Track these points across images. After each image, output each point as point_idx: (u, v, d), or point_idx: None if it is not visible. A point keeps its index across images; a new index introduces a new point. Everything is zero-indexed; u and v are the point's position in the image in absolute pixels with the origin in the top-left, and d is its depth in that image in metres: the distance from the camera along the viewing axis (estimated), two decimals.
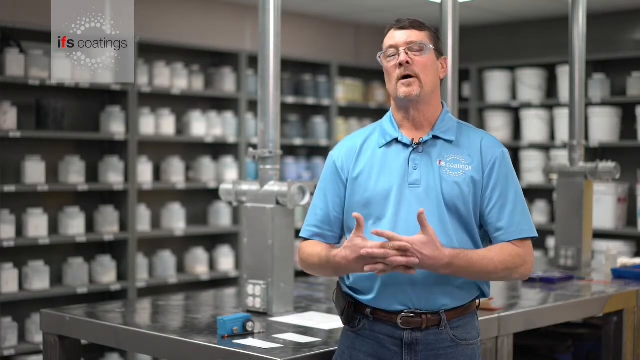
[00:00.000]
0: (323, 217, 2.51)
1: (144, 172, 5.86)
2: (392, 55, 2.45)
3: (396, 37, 2.45)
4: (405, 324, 2.36)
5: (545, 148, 7.08)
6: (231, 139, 6.33)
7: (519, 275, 2.41)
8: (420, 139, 2.44)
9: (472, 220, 2.40)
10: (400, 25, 2.46)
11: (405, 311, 2.36)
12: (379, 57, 2.49)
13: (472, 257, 2.32)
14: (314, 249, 2.47)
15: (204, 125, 6.21)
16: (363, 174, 2.45)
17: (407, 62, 2.41)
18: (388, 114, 2.54)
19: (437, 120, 2.48)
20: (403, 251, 2.22)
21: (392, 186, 2.40)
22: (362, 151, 2.49)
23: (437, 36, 2.51)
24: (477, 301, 2.49)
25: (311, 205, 2.57)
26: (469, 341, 2.43)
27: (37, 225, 5.32)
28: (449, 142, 2.45)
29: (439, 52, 2.50)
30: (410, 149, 2.44)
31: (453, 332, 2.39)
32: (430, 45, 2.45)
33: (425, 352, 2.37)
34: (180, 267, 6.23)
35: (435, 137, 2.45)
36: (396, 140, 2.46)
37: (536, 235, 2.43)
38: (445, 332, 2.38)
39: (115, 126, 5.65)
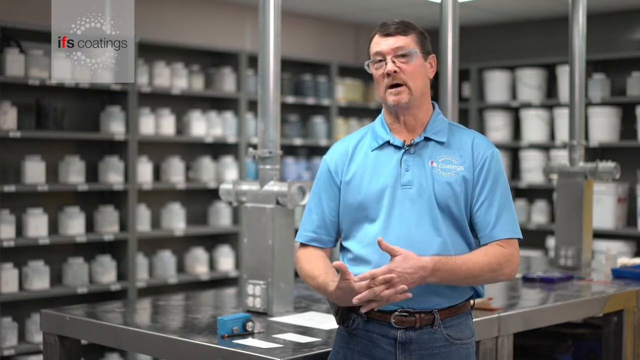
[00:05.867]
0: (319, 222, 2.51)
1: (144, 172, 5.86)
2: (379, 62, 2.44)
3: (382, 44, 2.44)
4: (399, 323, 2.36)
5: (545, 148, 7.08)
6: (231, 139, 6.34)
7: (505, 276, 2.40)
8: (412, 141, 2.44)
9: (464, 221, 2.41)
10: (386, 31, 2.44)
11: (399, 310, 2.36)
12: (367, 65, 2.48)
13: (456, 261, 2.32)
14: (312, 269, 2.45)
15: (204, 125, 6.21)
16: (355, 177, 2.46)
17: (395, 72, 2.40)
18: (380, 116, 2.54)
19: (429, 122, 2.48)
20: (388, 282, 2.22)
21: (385, 188, 2.41)
22: (355, 154, 2.49)
23: (424, 36, 2.49)
24: (472, 301, 2.49)
25: (306, 209, 2.57)
26: (463, 340, 2.43)
27: (37, 225, 5.32)
28: (441, 143, 2.45)
29: (427, 52, 2.48)
30: (402, 150, 2.44)
31: (447, 331, 2.39)
32: (417, 50, 2.43)
33: (419, 351, 2.37)
34: (180, 267, 6.23)
35: (427, 139, 2.45)
36: (388, 142, 2.47)
37: (521, 237, 2.43)
38: (439, 332, 2.38)
39: (115, 126, 5.65)
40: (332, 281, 2.34)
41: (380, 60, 2.44)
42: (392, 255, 2.26)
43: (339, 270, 2.27)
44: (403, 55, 2.41)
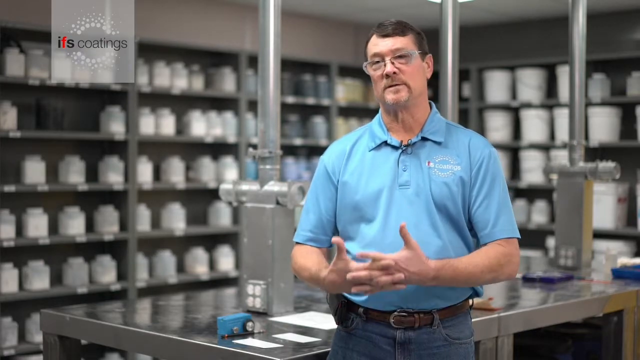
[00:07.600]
0: (316, 221, 2.51)
1: (144, 172, 5.86)
2: (378, 63, 2.43)
3: (380, 45, 2.42)
4: (398, 323, 2.36)
5: (545, 148, 7.08)
6: (231, 139, 6.34)
7: (506, 276, 2.39)
8: (409, 141, 2.44)
9: (462, 220, 2.40)
10: (383, 32, 2.43)
11: (398, 310, 2.36)
12: (365, 66, 2.47)
13: (458, 266, 2.30)
14: (306, 262, 2.45)
15: (204, 125, 6.21)
16: (353, 177, 2.45)
17: (394, 73, 2.39)
18: (377, 116, 2.53)
19: (426, 122, 2.47)
20: (387, 269, 2.19)
21: (383, 188, 2.40)
22: (352, 155, 2.49)
23: (421, 36, 2.47)
24: (471, 301, 2.48)
25: (304, 209, 2.57)
26: (462, 340, 2.43)
27: (37, 225, 5.32)
28: (438, 143, 2.45)
29: (424, 52, 2.47)
30: (400, 150, 2.44)
31: (446, 331, 2.39)
32: (416, 51, 2.42)
33: (419, 351, 2.37)
34: (180, 267, 6.23)
35: (424, 139, 2.45)
36: (385, 142, 2.46)
37: (519, 236, 2.42)
38: (438, 331, 2.38)
39: (115, 126, 5.65)
40: (325, 267, 2.32)
41: (379, 62, 2.43)
42: (406, 244, 2.21)
43: (337, 245, 2.23)
44: (402, 57, 2.40)
